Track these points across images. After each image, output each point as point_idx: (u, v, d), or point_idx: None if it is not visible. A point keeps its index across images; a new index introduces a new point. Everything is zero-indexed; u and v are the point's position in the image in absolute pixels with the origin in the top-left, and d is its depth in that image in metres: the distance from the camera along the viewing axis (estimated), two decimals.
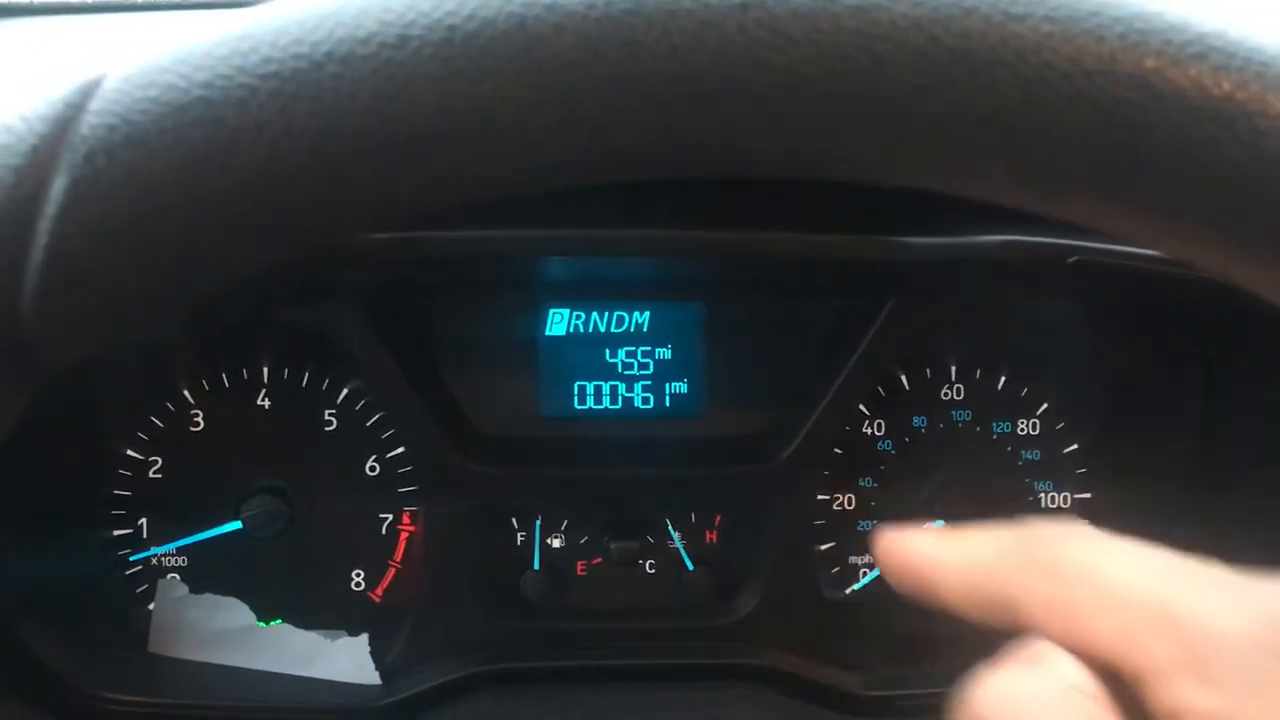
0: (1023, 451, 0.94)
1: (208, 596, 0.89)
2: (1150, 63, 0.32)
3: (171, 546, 0.90)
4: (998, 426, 0.94)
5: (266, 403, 0.90)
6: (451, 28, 0.32)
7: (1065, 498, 0.95)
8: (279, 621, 0.90)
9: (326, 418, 0.91)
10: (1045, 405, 0.94)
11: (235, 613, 0.89)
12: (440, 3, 0.32)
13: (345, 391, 0.90)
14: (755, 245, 0.83)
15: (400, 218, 0.35)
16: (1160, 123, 0.32)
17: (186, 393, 0.89)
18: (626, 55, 0.32)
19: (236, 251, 0.34)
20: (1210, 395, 0.88)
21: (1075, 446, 0.95)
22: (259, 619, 0.90)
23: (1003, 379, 0.94)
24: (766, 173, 0.35)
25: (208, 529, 0.89)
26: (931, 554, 0.39)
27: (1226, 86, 0.32)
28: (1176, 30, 0.32)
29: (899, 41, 0.32)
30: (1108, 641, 0.33)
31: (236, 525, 0.88)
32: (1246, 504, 0.84)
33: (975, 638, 0.95)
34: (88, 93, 0.32)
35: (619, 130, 0.33)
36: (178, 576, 0.90)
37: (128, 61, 0.33)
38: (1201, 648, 0.31)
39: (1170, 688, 0.32)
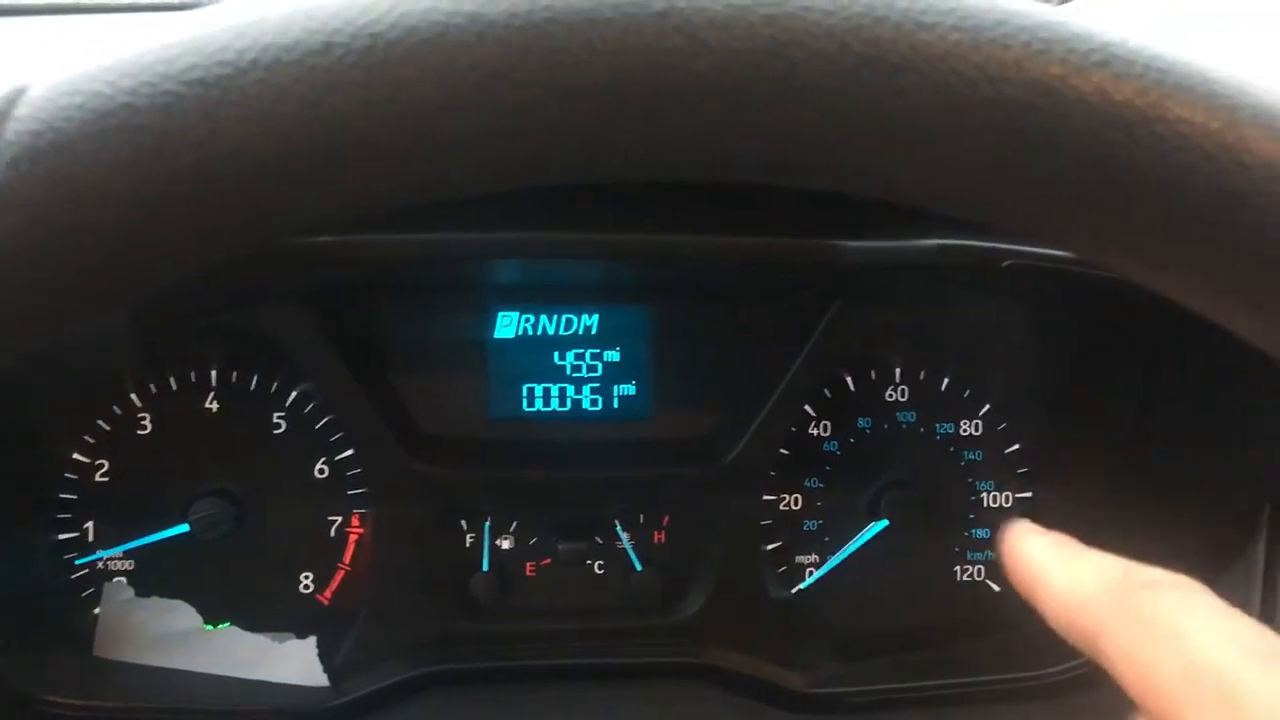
0: (965, 452, 0.96)
1: (154, 600, 0.89)
2: (1054, 70, 0.33)
3: (118, 550, 0.89)
4: (941, 427, 0.96)
5: (214, 406, 0.90)
6: (375, 35, 0.33)
7: (1007, 497, 0.97)
8: (227, 624, 0.90)
9: (275, 420, 0.91)
10: (987, 406, 0.96)
11: (182, 615, 0.89)
12: (365, 11, 0.33)
13: (294, 394, 0.91)
14: (699, 249, 0.84)
15: (326, 224, 0.35)
16: (1064, 128, 0.34)
17: (134, 396, 0.89)
18: (548, 63, 0.33)
19: (163, 258, 0.34)
20: (1146, 396, 0.90)
21: (1017, 447, 0.96)
22: (206, 622, 0.90)
23: (946, 381, 0.95)
24: (686, 176, 0.36)
25: (155, 532, 0.88)
26: (1043, 562, 0.40)
27: (1127, 92, 0.33)
28: (1080, 39, 0.34)
29: (812, 49, 0.33)
30: (1172, 708, 0.33)
31: (184, 528, 0.88)
32: (1181, 502, 0.86)
33: (918, 636, 0.97)
34: (12, 100, 0.33)
35: (540, 136, 0.34)
36: (124, 580, 0.90)
37: (54, 69, 0.33)
38: None
39: None
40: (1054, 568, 0.40)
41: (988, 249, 0.76)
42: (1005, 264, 0.75)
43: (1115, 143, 0.34)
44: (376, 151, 0.33)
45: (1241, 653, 0.33)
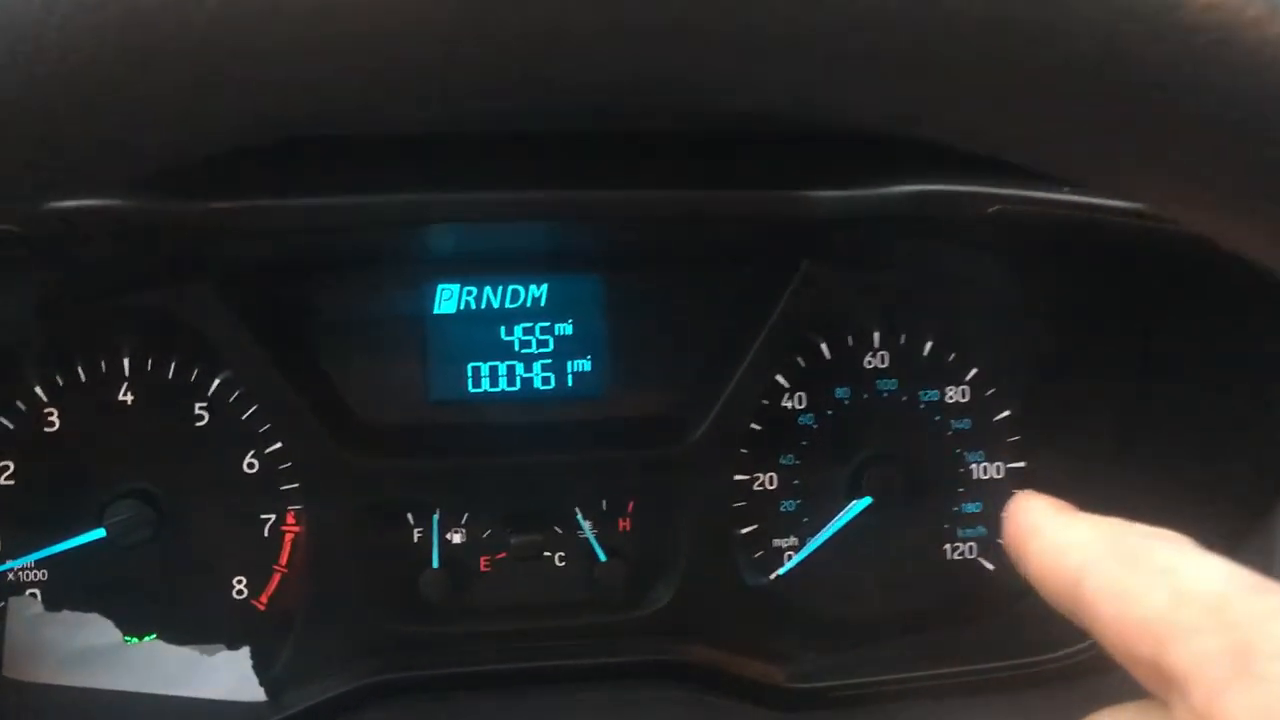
0: (952, 420, 0.89)
1: (66, 614, 0.81)
2: None
3: (29, 559, 0.81)
4: (925, 395, 0.89)
5: (129, 398, 0.82)
6: None
7: (998, 468, 0.90)
8: (151, 637, 0.83)
9: (197, 412, 0.83)
10: (975, 371, 0.89)
11: (100, 629, 0.81)
12: None
13: (217, 383, 0.83)
14: (657, 204, 0.76)
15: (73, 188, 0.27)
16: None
17: (38, 390, 0.81)
18: None
19: None
20: (1148, 354, 0.83)
21: (1007, 414, 0.89)
22: (129, 635, 0.82)
23: (929, 344, 0.88)
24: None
25: (68, 539, 0.81)
26: (1038, 515, 0.40)
27: None
28: None
29: None
30: (1154, 637, 0.33)
31: (100, 533, 0.80)
32: (1190, 471, 0.79)
33: (907, 622, 0.89)
34: None
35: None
36: (37, 593, 0.82)
37: None
38: (1250, 644, 0.31)
39: (1209, 684, 0.31)
40: (1048, 520, 0.39)
41: (972, 194, 0.68)
42: (992, 210, 0.67)
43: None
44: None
45: (1230, 580, 0.33)
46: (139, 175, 0.31)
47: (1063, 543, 0.38)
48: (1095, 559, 0.36)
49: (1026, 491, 0.43)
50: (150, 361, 0.82)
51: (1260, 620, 0.31)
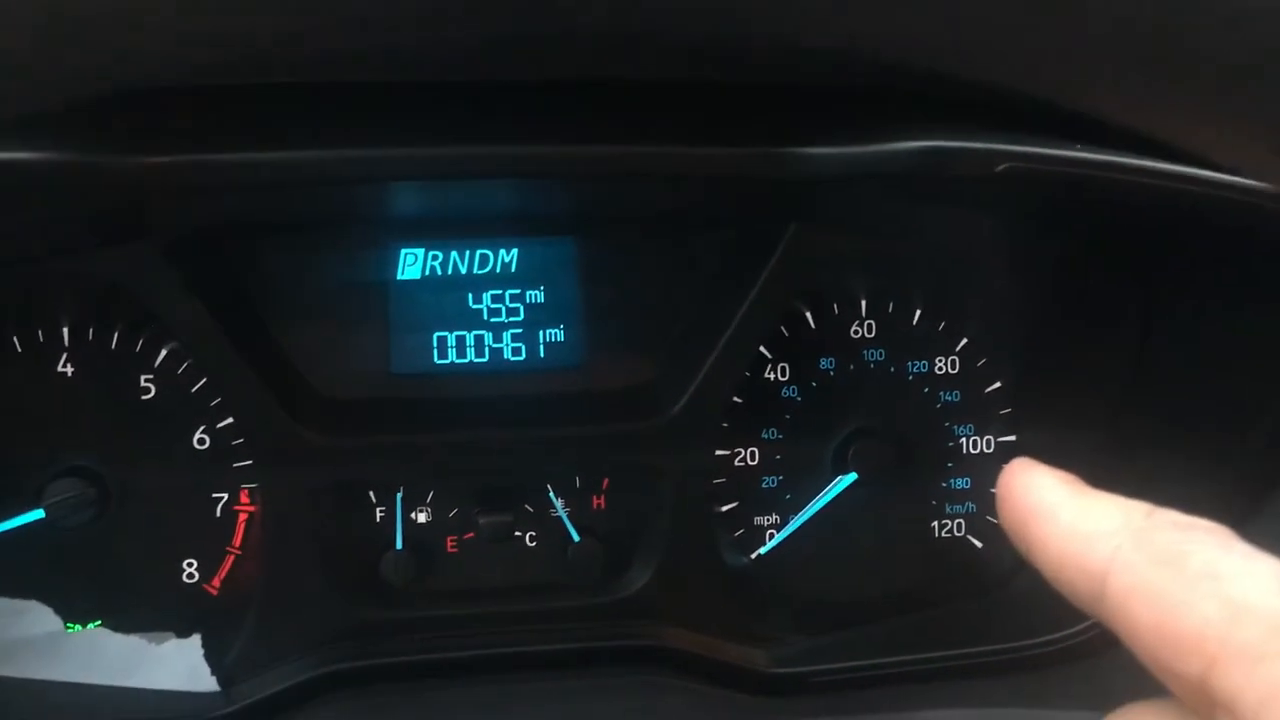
0: (941, 393, 0.86)
1: (2, 601, 0.77)
2: None
3: None
4: (913, 366, 0.85)
5: (69, 369, 0.77)
6: None
7: (989, 442, 0.87)
8: (95, 625, 0.78)
9: (143, 384, 0.78)
10: (965, 340, 0.85)
11: (38, 618, 0.77)
12: None
13: (163, 353, 0.78)
14: (634, 161, 0.71)
15: None
16: None
17: None
18: None
19: None
20: (1146, 320, 0.79)
21: (999, 385, 0.86)
22: (71, 623, 0.78)
23: (918, 313, 0.85)
24: None
25: (4, 520, 0.76)
26: (1046, 493, 0.37)
27: None
28: None
29: None
30: (1213, 650, 0.30)
31: (39, 514, 0.76)
32: (1193, 443, 0.75)
33: (892, 603, 0.85)
34: None
35: None
36: None
37: None
38: None
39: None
40: (1061, 500, 0.36)
41: (980, 150, 0.63)
42: (1000, 168, 0.63)
43: None
44: None
45: None
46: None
47: (1085, 531, 0.35)
48: (1127, 554, 0.33)
49: (1024, 460, 0.39)
50: (91, 330, 0.78)
51: None
